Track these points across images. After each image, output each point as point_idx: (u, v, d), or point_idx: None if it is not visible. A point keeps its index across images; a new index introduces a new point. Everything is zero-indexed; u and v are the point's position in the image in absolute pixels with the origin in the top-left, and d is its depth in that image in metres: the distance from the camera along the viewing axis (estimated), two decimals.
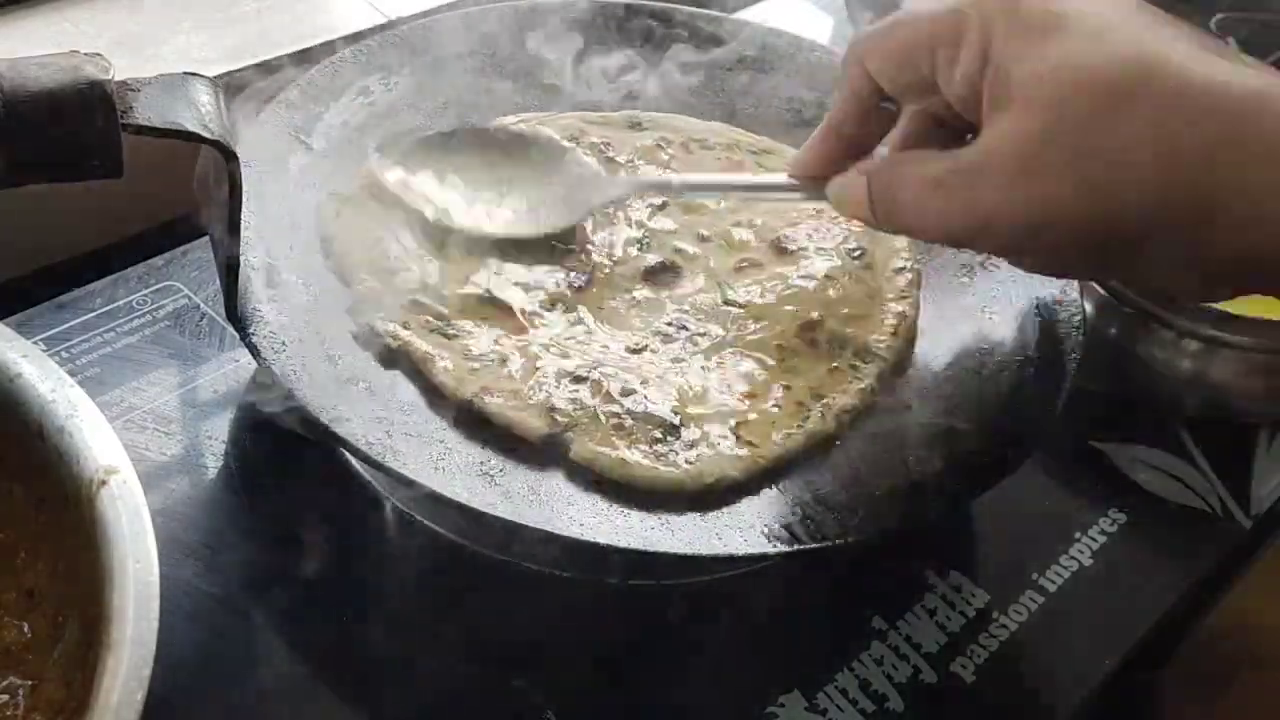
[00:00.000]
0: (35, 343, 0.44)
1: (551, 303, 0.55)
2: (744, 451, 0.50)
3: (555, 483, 0.48)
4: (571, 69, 0.66)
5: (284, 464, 0.53)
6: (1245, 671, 0.64)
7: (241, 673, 0.47)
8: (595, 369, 0.52)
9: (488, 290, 0.55)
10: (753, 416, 0.52)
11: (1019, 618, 0.53)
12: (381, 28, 0.70)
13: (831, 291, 0.58)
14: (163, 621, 0.35)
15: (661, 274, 0.58)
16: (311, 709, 0.46)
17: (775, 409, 0.53)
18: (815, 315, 0.57)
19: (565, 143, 0.63)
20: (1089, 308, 0.60)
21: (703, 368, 0.54)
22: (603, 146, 0.64)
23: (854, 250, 0.61)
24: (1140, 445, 0.62)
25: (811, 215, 0.62)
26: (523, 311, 0.54)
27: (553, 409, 0.50)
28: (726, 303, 0.57)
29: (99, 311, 0.59)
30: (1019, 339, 0.56)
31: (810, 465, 0.51)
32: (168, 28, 0.69)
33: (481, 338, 0.53)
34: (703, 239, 0.60)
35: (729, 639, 0.51)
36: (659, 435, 0.50)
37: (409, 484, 0.45)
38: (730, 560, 0.49)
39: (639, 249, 0.59)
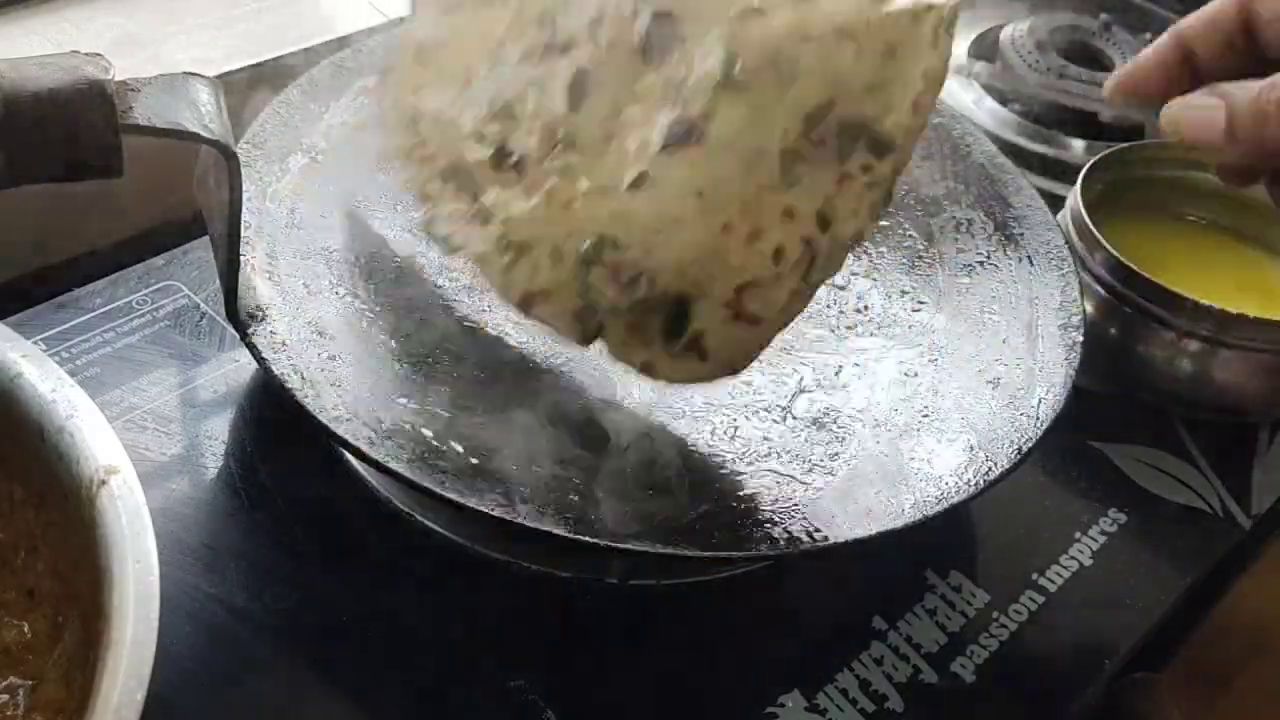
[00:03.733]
0: (35, 343, 0.44)
1: (553, 133, 0.49)
2: (748, 335, 0.47)
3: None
4: None
5: (284, 464, 0.53)
6: (1245, 671, 0.64)
7: (241, 673, 0.47)
8: (602, 244, 0.47)
9: (500, 145, 0.51)
10: (756, 274, 0.46)
11: (1019, 618, 0.53)
12: (382, 27, 0.70)
13: (848, 54, 0.46)
14: (163, 621, 0.35)
15: (658, 40, 0.48)
16: (311, 709, 0.46)
17: (776, 257, 0.46)
18: (822, 100, 0.46)
19: None
20: (1089, 308, 0.60)
21: (700, 203, 0.46)
22: None
23: None
24: (1140, 445, 0.62)
25: None
26: (530, 158, 0.50)
27: (580, 311, 0.48)
28: (726, 81, 0.46)
29: (99, 311, 0.59)
30: (1019, 338, 0.56)
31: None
32: (168, 28, 0.69)
33: (508, 207, 0.50)
34: None
35: (729, 639, 0.51)
36: (670, 329, 0.47)
37: (409, 484, 0.45)
38: (729, 560, 0.49)
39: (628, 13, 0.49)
